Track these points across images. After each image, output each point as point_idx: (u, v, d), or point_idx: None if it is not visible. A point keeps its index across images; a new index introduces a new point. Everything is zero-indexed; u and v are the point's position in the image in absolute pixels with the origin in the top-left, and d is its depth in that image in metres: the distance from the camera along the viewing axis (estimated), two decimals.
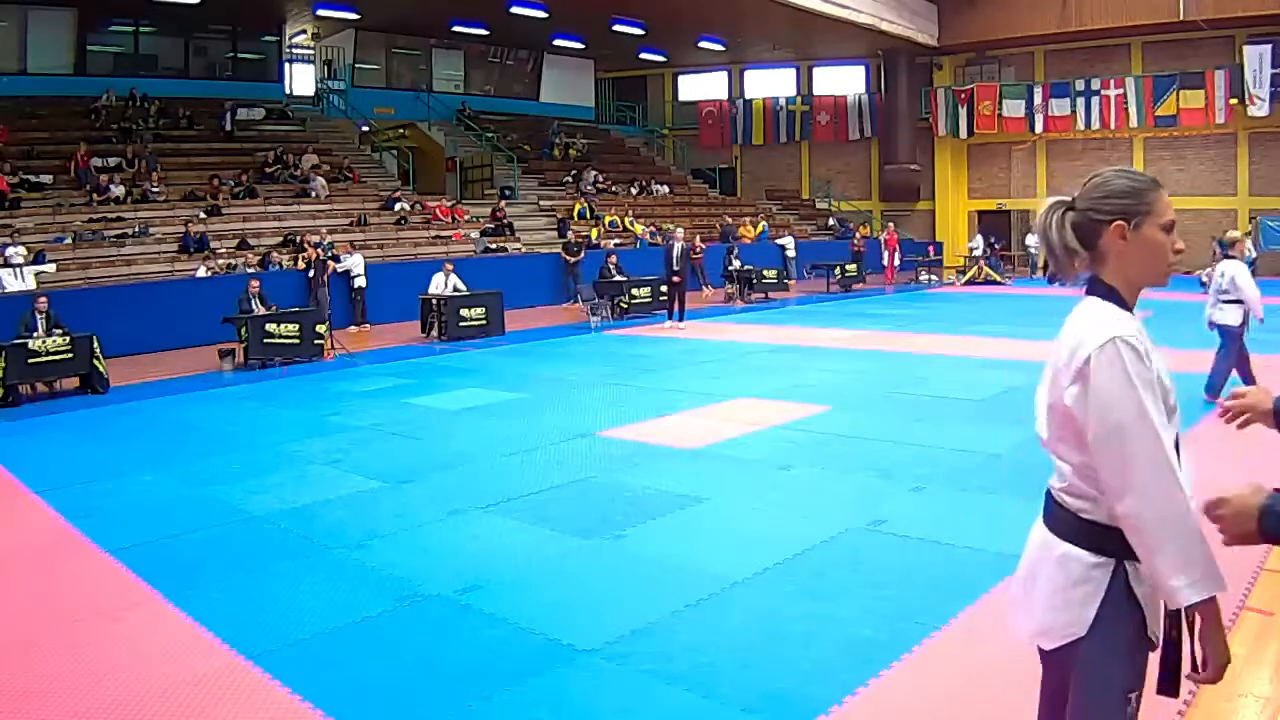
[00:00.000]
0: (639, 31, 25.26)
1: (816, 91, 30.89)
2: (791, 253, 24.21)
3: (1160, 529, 1.75)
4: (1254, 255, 22.31)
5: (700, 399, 9.31)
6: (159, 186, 18.24)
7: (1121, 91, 24.49)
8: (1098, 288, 1.94)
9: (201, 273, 15.79)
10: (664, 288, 16.44)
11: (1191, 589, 1.74)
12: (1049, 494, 2.01)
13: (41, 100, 19.42)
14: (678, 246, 15.49)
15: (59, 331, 10.97)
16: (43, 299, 11.49)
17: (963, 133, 27.22)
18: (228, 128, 21.15)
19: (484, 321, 15.11)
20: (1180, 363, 10.87)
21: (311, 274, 15.82)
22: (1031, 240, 24.21)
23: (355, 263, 16.63)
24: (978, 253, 24.00)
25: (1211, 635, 1.77)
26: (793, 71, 31.57)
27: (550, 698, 3.55)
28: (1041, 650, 2.03)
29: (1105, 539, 1.87)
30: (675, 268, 15.45)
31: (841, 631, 4.00)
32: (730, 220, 24.57)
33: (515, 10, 22.06)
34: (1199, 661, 1.79)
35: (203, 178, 18.94)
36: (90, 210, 16.95)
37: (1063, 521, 1.95)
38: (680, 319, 15.54)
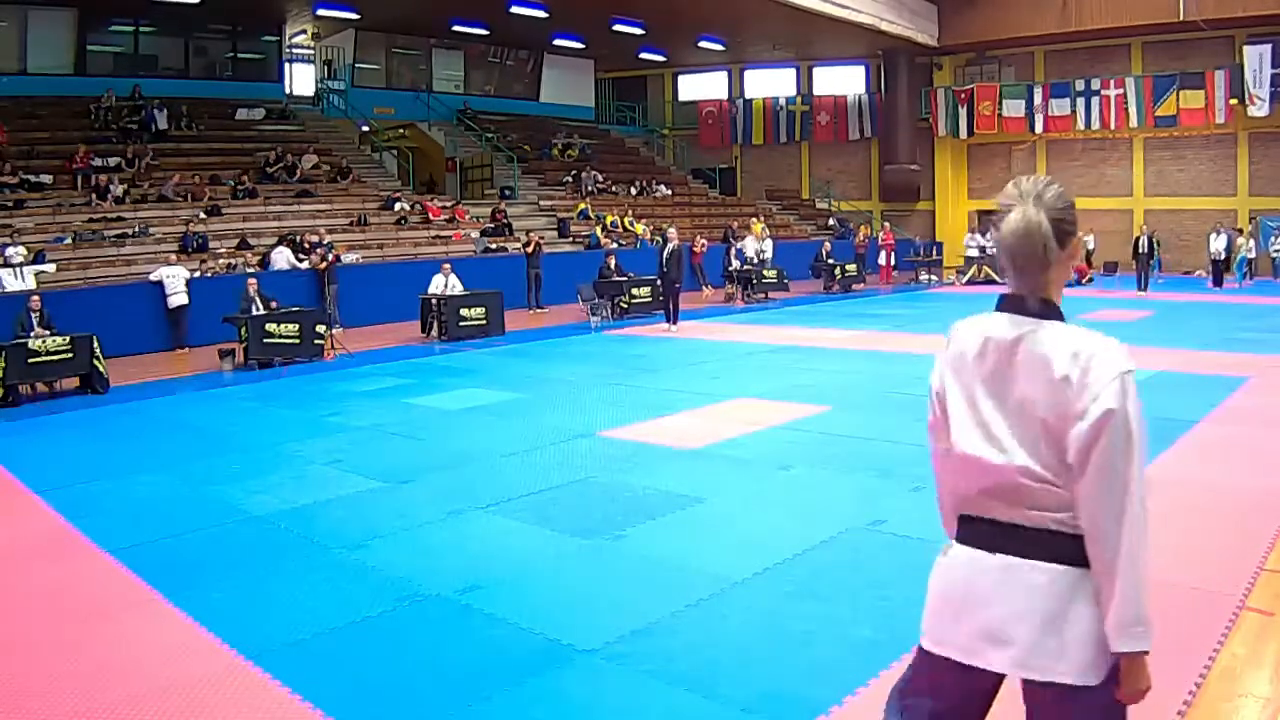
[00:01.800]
0: (639, 31, 25.24)
1: (816, 91, 30.87)
2: (768, 255, 22.25)
3: (1131, 569, 1.75)
4: (1252, 255, 22.32)
5: (700, 399, 9.31)
6: (159, 186, 18.23)
7: (1121, 91, 24.47)
8: (1053, 312, 1.90)
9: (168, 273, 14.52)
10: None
11: (1136, 639, 1.76)
12: (1046, 529, 1.85)
13: (41, 100, 19.41)
14: (670, 247, 15.27)
15: (49, 332, 10.97)
16: (35, 298, 11.51)
17: (963, 133, 27.21)
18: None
19: (484, 321, 15.09)
20: (1180, 363, 10.85)
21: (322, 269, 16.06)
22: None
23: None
24: (973, 252, 23.68)
25: (1133, 680, 1.79)
26: (793, 71, 31.55)
27: (550, 698, 3.55)
28: (1030, 681, 1.85)
29: None
30: (664, 269, 15.25)
31: (841, 631, 4.00)
32: (735, 225, 24.37)
33: (515, 10, 22.04)
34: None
35: (203, 178, 18.94)
36: (90, 210, 16.95)
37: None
38: (672, 321, 15.19)
